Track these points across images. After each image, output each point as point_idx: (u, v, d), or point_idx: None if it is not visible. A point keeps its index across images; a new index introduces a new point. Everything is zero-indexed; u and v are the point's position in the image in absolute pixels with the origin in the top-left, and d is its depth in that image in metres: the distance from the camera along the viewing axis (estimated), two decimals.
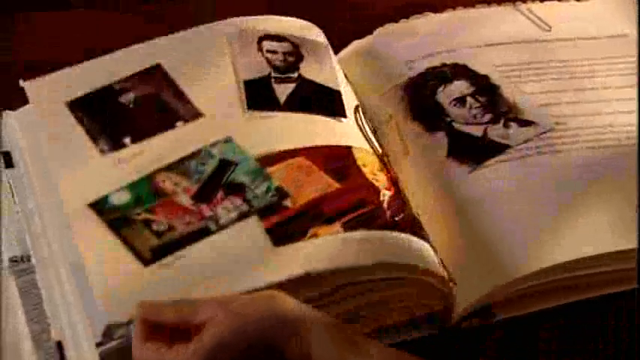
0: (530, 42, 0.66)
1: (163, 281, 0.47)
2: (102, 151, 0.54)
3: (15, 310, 0.52)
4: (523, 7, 0.69)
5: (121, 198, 0.51)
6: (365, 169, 0.55)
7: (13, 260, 0.54)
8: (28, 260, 0.54)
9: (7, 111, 0.60)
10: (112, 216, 0.51)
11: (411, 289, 0.51)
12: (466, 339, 0.53)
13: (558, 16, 0.68)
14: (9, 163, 0.58)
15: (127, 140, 0.55)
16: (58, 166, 0.54)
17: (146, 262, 0.49)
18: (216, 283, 0.47)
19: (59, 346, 0.50)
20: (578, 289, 0.54)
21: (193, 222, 0.50)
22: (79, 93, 0.58)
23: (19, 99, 0.60)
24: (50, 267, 0.52)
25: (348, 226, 0.51)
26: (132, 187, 0.52)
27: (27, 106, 0.60)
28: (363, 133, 0.58)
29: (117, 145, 0.55)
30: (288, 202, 0.51)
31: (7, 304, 0.52)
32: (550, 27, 0.67)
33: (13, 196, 0.56)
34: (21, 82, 0.59)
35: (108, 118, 0.57)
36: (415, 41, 0.66)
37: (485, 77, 0.63)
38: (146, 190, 0.51)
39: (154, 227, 0.50)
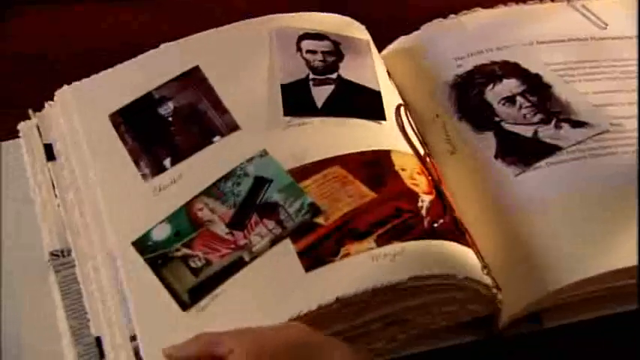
0: (584, 40, 0.66)
1: (200, 327, 0.49)
2: (144, 176, 0.56)
3: (54, 304, 0.53)
4: (578, 3, 0.69)
5: (162, 233, 0.54)
6: (404, 174, 0.55)
7: (54, 254, 0.55)
8: (69, 254, 0.55)
9: (50, 102, 0.62)
10: (153, 254, 0.53)
11: (455, 294, 0.52)
12: (513, 346, 0.54)
13: (615, 14, 0.68)
14: (50, 156, 0.60)
15: (167, 162, 0.57)
16: (103, 195, 0.56)
17: (184, 306, 0.51)
18: (247, 322, 0.48)
19: (98, 341, 0.51)
20: (628, 298, 0.54)
21: (228, 253, 0.52)
22: (121, 102, 0.60)
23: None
24: (89, 261, 0.54)
25: (382, 240, 0.51)
26: (171, 219, 0.54)
27: (68, 86, 0.61)
28: (404, 133, 0.59)
29: (157, 168, 0.57)
30: (321, 219, 0.53)
31: (47, 298, 0.54)
32: (606, 24, 0.67)
33: (54, 188, 0.58)
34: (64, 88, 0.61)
35: (148, 134, 0.58)
36: (464, 38, 0.66)
37: (537, 76, 0.63)
38: (184, 222, 0.54)
39: (192, 264, 0.52)
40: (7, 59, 0.71)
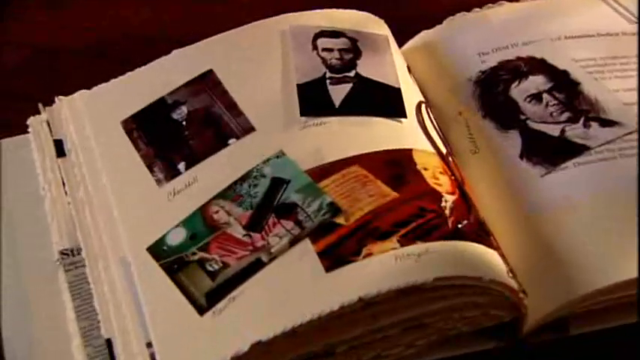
0: (615, 35, 0.66)
1: (218, 331, 0.50)
2: (158, 181, 0.58)
3: (64, 305, 0.55)
4: None
5: (177, 237, 0.55)
6: (426, 173, 0.56)
7: (64, 253, 0.56)
8: (79, 253, 0.56)
9: (60, 96, 0.63)
10: (169, 259, 0.54)
11: (478, 298, 0.52)
12: (537, 354, 0.54)
13: None
14: (60, 152, 0.61)
15: (182, 166, 0.58)
16: (116, 202, 0.57)
17: (201, 311, 0.52)
18: (267, 324, 0.49)
19: (109, 343, 0.52)
20: None
21: (245, 255, 0.53)
22: (133, 108, 0.61)
23: (70, 85, 0.63)
24: (100, 261, 0.55)
25: (405, 240, 0.52)
26: (186, 222, 0.55)
27: (78, 93, 0.63)
28: (425, 132, 0.59)
29: (172, 173, 0.58)
30: (341, 219, 0.53)
31: (56, 298, 0.55)
32: (637, 18, 0.67)
33: (64, 186, 0.59)
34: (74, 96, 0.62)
35: (162, 139, 0.60)
36: (488, 32, 0.67)
37: (565, 72, 0.63)
38: (200, 225, 0.55)
39: (208, 267, 0.53)
40: (8, 51, 0.72)
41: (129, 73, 0.63)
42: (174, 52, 0.64)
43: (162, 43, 0.64)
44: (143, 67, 0.63)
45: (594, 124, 0.60)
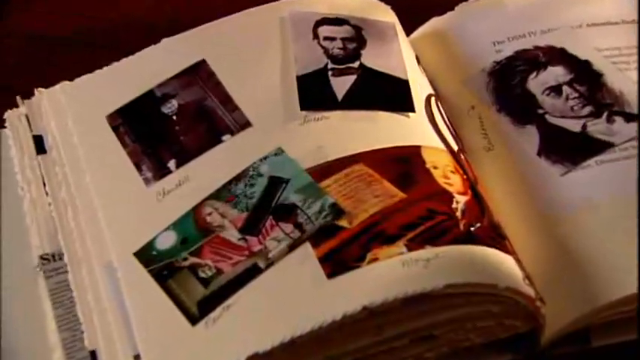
0: None
1: (211, 343, 0.51)
2: (146, 181, 0.58)
3: (44, 314, 0.55)
4: None
5: (167, 241, 0.55)
6: (435, 172, 0.56)
7: (44, 258, 0.57)
8: (60, 259, 0.57)
9: (40, 89, 0.63)
10: (158, 265, 0.54)
11: (491, 307, 0.53)
12: None
13: None
14: (41, 148, 0.61)
15: (172, 164, 0.58)
16: (100, 202, 0.58)
17: (194, 320, 0.52)
18: (264, 334, 0.50)
19: (93, 355, 0.53)
20: None
21: (241, 260, 0.53)
22: (119, 102, 0.62)
23: (55, 76, 0.64)
24: (84, 266, 0.56)
25: (413, 244, 0.52)
26: (177, 225, 0.56)
27: (60, 85, 0.63)
28: (435, 127, 0.60)
29: (161, 171, 0.58)
30: (344, 222, 0.54)
31: (36, 307, 0.55)
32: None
33: (44, 185, 0.60)
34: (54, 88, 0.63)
35: (150, 135, 0.60)
36: (504, 19, 0.67)
37: (586, 63, 0.64)
38: (192, 228, 0.55)
39: (201, 274, 0.53)
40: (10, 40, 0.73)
41: (115, 64, 0.63)
42: (164, 40, 0.64)
43: (165, 32, 0.64)
44: (130, 57, 0.63)
45: (618, 119, 0.60)
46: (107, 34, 0.75)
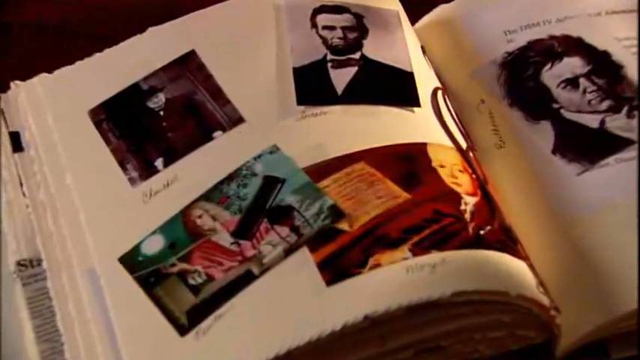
0: None
1: (201, 355, 0.51)
2: (131, 181, 0.58)
3: (21, 324, 0.55)
4: None
5: (154, 246, 0.55)
6: (443, 171, 0.57)
7: (21, 264, 0.57)
8: (39, 264, 0.57)
9: (17, 81, 0.64)
10: (144, 271, 0.54)
11: (503, 316, 0.53)
12: None
13: None
14: (17, 146, 0.61)
15: (159, 163, 0.59)
16: (82, 204, 0.58)
17: (183, 331, 0.52)
18: (259, 345, 0.50)
19: None
20: None
21: (234, 266, 0.54)
22: (102, 95, 0.62)
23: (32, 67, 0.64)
24: (64, 273, 0.56)
25: (418, 249, 0.52)
26: (165, 229, 0.56)
27: (38, 77, 0.64)
28: (442, 123, 0.60)
29: (148, 171, 0.58)
30: (344, 225, 0.54)
31: (13, 317, 0.55)
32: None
33: (21, 186, 0.60)
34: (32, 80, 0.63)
35: (136, 131, 0.60)
36: (516, 7, 0.67)
37: (605, 53, 0.64)
38: (181, 231, 0.55)
39: (191, 281, 0.54)
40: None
41: (97, 55, 0.64)
42: (150, 29, 0.64)
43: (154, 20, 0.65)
44: (114, 47, 0.64)
45: None
46: (104, 24, 0.75)
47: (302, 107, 0.59)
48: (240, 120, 0.60)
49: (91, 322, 0.54)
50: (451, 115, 0.61)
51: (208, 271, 0.54)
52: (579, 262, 0.55)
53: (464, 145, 0.59)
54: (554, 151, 0.60)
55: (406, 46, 0.63)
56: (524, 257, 0.55)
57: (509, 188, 0.59)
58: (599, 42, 0.64)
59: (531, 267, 0.54)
